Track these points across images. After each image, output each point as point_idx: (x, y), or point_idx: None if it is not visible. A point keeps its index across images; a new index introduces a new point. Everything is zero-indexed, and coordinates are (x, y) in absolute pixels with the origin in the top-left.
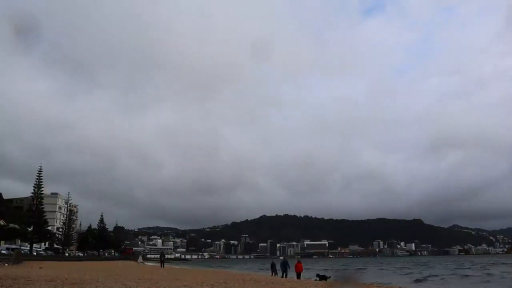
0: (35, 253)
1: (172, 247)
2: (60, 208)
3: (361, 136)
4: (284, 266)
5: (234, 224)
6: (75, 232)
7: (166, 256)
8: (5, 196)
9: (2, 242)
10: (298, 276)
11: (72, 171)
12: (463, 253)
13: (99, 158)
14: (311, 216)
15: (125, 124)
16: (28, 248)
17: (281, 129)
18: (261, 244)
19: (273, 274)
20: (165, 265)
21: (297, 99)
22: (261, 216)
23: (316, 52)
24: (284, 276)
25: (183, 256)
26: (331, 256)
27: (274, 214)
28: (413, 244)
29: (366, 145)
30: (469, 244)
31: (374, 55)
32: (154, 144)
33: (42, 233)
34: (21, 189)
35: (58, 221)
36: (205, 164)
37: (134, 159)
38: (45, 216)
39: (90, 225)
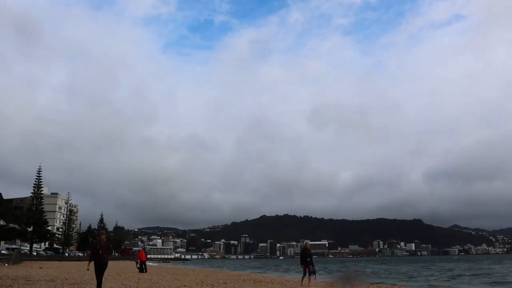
0: (35, 253)
1: (172, 247)
2: (60, 208)
3: None
4: None
5: (234, 224)
6: (75, 232)
7: (166, 256)
8: (5, 196)
9: (2, 242)
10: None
11: None
12: (463, 253)
13: None
14: (311, 216)
15: None
16: (28, 248)
17: None
18: (261, 244)
19: None
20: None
21: None
22: (261, 216)
23: None
24: None
25: (183, 256)
26: (331, 256)
27: (274, 214)
28: (413, 244)
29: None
30: (469, 244)
31: None
32: None
33: (42, 233)
34: None
35: (58, 221)
36: None
37: None
38: (45, 216)
39: (90, 225)
